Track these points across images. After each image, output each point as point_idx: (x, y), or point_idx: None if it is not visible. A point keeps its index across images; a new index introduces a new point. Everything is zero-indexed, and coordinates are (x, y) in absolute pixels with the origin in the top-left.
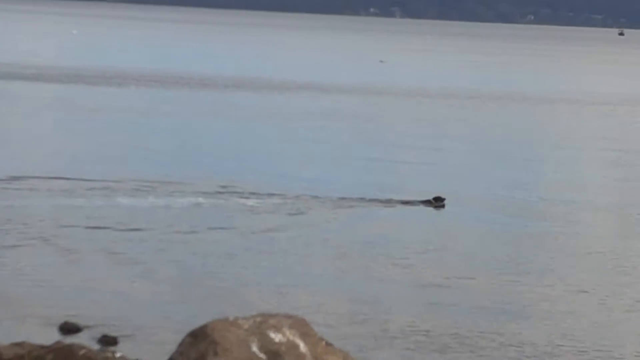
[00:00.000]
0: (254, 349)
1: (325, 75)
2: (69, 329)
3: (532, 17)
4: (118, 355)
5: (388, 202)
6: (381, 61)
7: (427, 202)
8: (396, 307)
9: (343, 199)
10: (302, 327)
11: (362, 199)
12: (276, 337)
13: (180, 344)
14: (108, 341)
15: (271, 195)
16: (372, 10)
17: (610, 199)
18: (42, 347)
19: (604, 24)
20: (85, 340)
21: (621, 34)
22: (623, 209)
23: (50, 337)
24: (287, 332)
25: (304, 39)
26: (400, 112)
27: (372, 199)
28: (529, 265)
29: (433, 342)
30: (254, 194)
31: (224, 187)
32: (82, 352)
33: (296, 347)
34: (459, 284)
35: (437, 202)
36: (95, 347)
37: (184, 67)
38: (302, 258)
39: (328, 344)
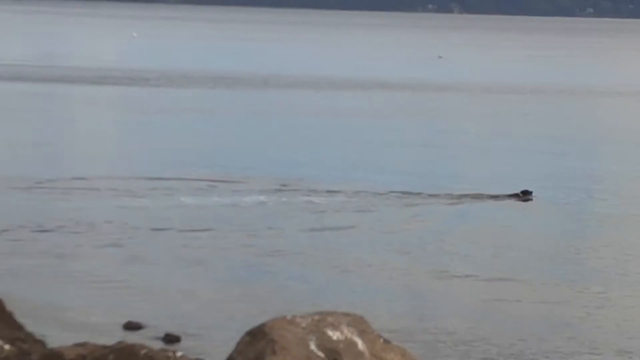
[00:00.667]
0: (312, 347)
1: (384, 72)
2: (132, 327)
3: (592, 10)
4: (179, 354)
5: (475, 196)
6: (440, 57)
7: (514, 196)
8: (458, 306)
9: (415, 194)
10: (360, 324)
11: (433, 195)
12: (334, 335)
13: (239, 343)
14: (171, 339)
15: (334, 192)
16: (430, 6)
17: None
18: (104, 347)
19: None
20: (148, 338)
21: None
22: None
23: (114, 336)
24: (345, 330)
25: (363, 36)
26: (461, 107)
27: (448, 194)
28: (611, 269)
29: (493, 344)
30: (314, 191)
31: (285, 185)
32: (143, 351)
33: (354, 344)
34: (526, 284)
35: (525, 196)
36: (158, 345)
37: (242, 67)
38: (366, 255)
39: (386, 341)
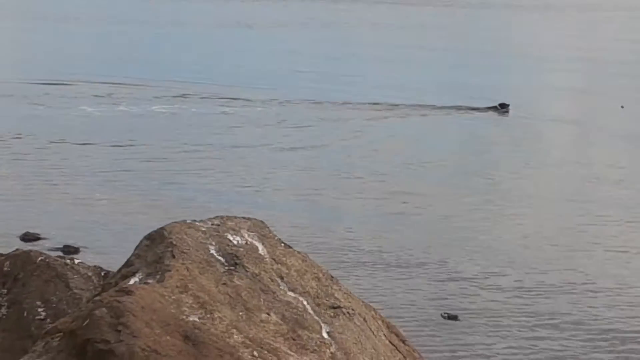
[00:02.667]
0: (212, 251)
1: None
2: (29, 239)
3: None
4: (77, 262)
5: (454, 108)
6: None
7: (493, 108)
8: (364, 217)
9: (355, 103)
10: (261, 229)
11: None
12: (234, 239)
13: (137, 247)
14: (69, 250)
15: (250, 101)
16: None
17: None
18: (0, 254)
19: None
20: (46, 249)
21: None
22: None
23: (10, 247)
24: (246, 234)
25: None
26: (363, 17)
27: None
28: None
29: (401, 255)
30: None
31: (195, 93)
32: (40, 258)
33: (255, 249)
34: (425, 191)
35: (503, 109)
36: (56, 255)
37: None
38: (279, 169)
39: (287, 246)
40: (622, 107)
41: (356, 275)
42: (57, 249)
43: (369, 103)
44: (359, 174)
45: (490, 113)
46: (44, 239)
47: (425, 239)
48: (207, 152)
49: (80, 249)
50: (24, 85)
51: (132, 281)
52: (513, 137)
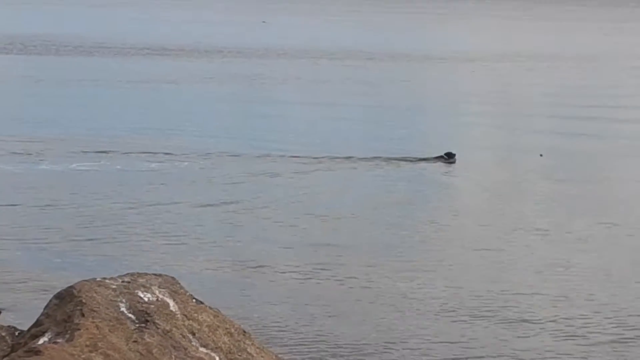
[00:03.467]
0: (123, 308)
1: (207, 37)
2: None
3: None
4: None
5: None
6: (264, 22)
7: (440, 158)
8: (285, 269)
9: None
10: (172, 285)
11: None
12: (145, 296)
13: (47, 306)
14: None
15: (165, 154)
16: None
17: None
18: None
19: None
20: None
21: None
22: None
23: None
24: (157, 291)
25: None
26: (284, 73)
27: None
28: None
29: (317, 305)
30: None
31: (114, 150)
32: None
33: (166, 305)
34: (347, 242)
35: (450, 158)
36: None
37: (53, 30)
38: (193, 223)
39: (199, 302)
40: (541, 155)
41: (270, 328)
42: None
43: (296, 156)
44: (278, 228)
45: (439, 163)
46: None
47: (343, 291)
48: (127, 210)
49: (0, 308)
50: None
51: (41, 340)
52: (451, 185)
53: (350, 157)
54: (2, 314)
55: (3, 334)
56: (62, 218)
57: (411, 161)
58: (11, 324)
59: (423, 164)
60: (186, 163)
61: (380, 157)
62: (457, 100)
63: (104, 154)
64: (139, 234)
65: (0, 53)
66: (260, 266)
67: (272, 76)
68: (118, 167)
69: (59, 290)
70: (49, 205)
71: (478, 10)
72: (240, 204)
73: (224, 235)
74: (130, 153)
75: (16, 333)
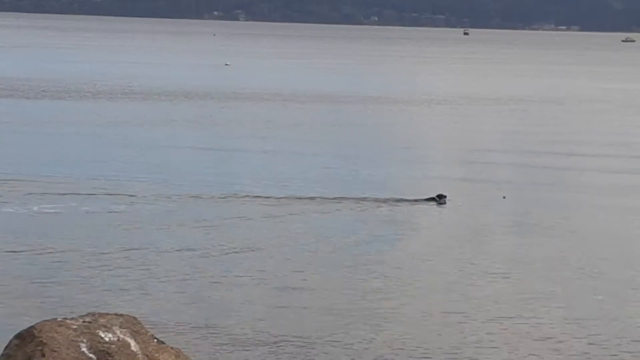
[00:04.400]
0: (83, 349)
1: (171, 80)
2: None
3: (376, 19)
4: None
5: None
6: (227, 64)
7: (432, 200)
8: (243, 309)
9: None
10: (133, 325)
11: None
12: (106, 336)
13: (7, 347)
14: None
15: (130, 197)
16: (215, 13)
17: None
18: None
19: (448, 24)
20: None
21: (466, 33)
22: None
23: None
24: (118, 331)
25: (148, 41)
26: (249, 115)
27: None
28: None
29: (277, 347)
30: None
31: (86, 191)
32: None
33: (127, 345)
34: (311, 285)
35: (441, 199)
36: None
37: (21, 73)
38: (158, 260)
39: (160, 342)
40: (504, 197)
41: None
42: None
43: (270, 197)
44: (242, 270)
45: (431, 204)
46: None
47: (306, 331)
48: (90, 252)
49: None
50: None
51: None
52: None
53: (339, 197)
54: None
55: None
56: (24, 261)
57: (406, 202)
58: None
59: (418, 205)
60: (150, 206)
61: (376, 199)
62: (428, 143)
63: (67, 196)
64: (101, 276)
65: None
66: (219, 307)
67: (237, 119)
68: (83, 209)
69: (19, 330)
70: (10, 248)
71: (452, 54)
72: (205, 246)
73: (187, 277)
74: (95, 195)
75: None
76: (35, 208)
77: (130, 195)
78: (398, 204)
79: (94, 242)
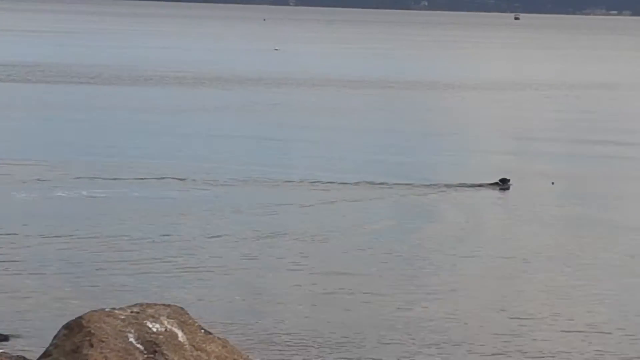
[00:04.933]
0: (131, 339)
1: (222, 65)
2: None
3: (426, 3)
4: (0, 351)
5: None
6: (276, 49)
7: (494, 184)
8: (288, 300)
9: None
10: (181, 316)
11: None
12: (154, 326)
13: (56, 337)
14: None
15: (180, 180)
16: None
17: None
18: None
19: (498, 8)
20: None
21: (517, 18)
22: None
23: None
24: (165, 322)
25: (197, 27)
26: (300, 101)
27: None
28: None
29: (323, 338)
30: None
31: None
32: None
33: (174, 336)
34: (362, 272)
35: (504, 184)
36: None
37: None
38: (207, 248)
39: (207, 332)
40: (553, 183)
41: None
42: None
43: (327, 182)
44: (292, 256)
45: (496, 189)
46: None
47: (354, 319)
48: (139, 238)
49: (10, 337)
50: None
51: None
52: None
53: (410, 184)
54: (10, 340)
55: None
56: (74, 247)
57: (470, 187)
58: (20, 352)
59: (482, 190)
60: (200, 191)
61: (438, 184)
62: (481, 129)
63: (117, 181)
64: (150, 263)
65: (9, 81)
66: (270, 296)
67: (288, 104)
68: (133, 194)
69: (68, 319)
70: (61, 234)
71: (503, 39)
72: (255, 233)
73: (234, 264)
74: (145, 179)
75: None
76: (85, 192)
77: (181, 180)
78: (460, 188)
79: (143, 228)
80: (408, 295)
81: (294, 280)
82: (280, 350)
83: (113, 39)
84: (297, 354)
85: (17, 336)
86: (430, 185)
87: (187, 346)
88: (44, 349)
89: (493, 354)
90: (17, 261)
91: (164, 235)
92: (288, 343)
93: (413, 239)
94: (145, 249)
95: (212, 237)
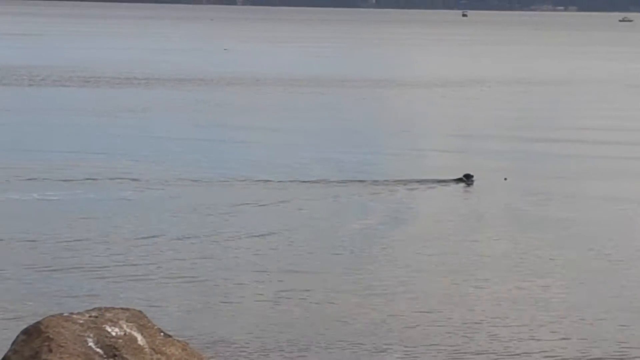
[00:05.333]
0: (90, 343)
1: (169, 66)
2: None
3: (374, 1)
4: None
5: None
6: (225, 49)
7: (459, 180)
8: (255, 299)
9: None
10: (139, 319)
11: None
12: (113, 330)
13: (14, 342)
14: None
15: (132, 180)
16: None
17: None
18: None
19: (446, 5)
20: None
21: (465, 15)
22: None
23: None
24: (124, 325)
25: (145, 27)
26: (252, 100)
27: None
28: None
29: (283, 337)
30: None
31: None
32: None
33: (134, 339)
34: (319, 269)
35: (469, 180)
36: None
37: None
38: (161, 249)
39: (166, 335)
40: (505, 179)
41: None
42: None
43: (272, 181)
44: (248, 257)
45: (460, 185)
46: None
47: (312, 318)
48: (94, 241)
49: None
50: None
51: None
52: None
53: (363, 181)
54: None
55: None
56: (28, 250)
57: (434, 183)
58: None
59: (448, 186)
60: (153, 191)
61: (418, 180)
62: (431, 126)
63: (68, 182)
64: (107, 266)
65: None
66: (227, 296)
67: (238, 103)
68: (88, 195)
69: (25, 324)
70: (13, 237)
71: (451, 36)
72: (210, 233)
73: (192, 265)
74: (98, 180)
75: None
76: (36, 195)
77: (133, 180)
78: (421, 185)
79: (96, 230)
80: (367, 293)
81: (251, 280)
82: (240, 351)
83: (56, 41)
84: (257, 354)
85: None
86: (395, 181)
87: (147, 349)
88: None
89: (449, 354)
90: None
91: (117, 236)
92: (247, 344)
93: (374, 236)
94: (99, 252)
95: (168, 238)
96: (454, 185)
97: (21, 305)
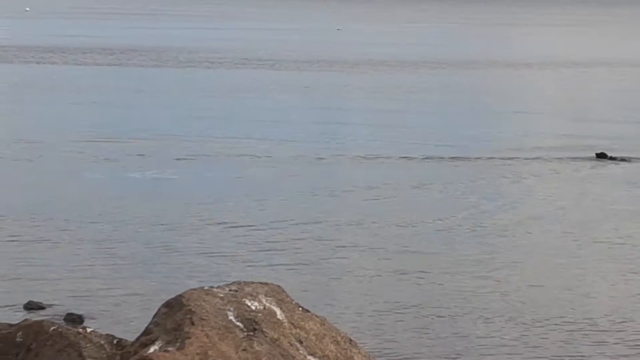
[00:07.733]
0: (231, 317)
1: (283, 46)
2: (33, 307)
3: None
4: (89, 330)
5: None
6: (338, 29)
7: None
8: (379, 277)
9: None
10: (278, 294)
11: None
12: (252, 304)
13: (156, 315)
14: (73, 319)
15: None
16: None
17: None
18: (10, 325)
19: None
20: (49, 318)
21: None
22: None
23: (15, 317)
24: (264, 300)
25: (254, 8)
26: (365, 80)
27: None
28: None
29: (418, 315)
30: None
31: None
32: (52, 328)
33: (273, 314)
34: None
35: (600, 158)
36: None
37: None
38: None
39: (305, 310)
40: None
41: (376, 338)
42: (60, 318)
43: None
44: (377, 237)
45: (593, 162)
46: (47, 307)
47: (443, 296)
48: (220, 219)
49: (83, 317)
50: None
51: (152, 349)
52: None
53: (482, 157)
54: (84, 322)
55: (102, 342)
56: (145, 229)
57: (566, 160)
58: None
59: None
60: (266, 169)
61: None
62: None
63: (187, 161)
64: (236, 245)
65: (103, 65)
66: (362, 275)
67: (353, 84)
68: (206, 174)
69: (141, 300)
70: (132, 215)
71: (562, 16)
72: (336, 214)
73: (324, 246)
74: (217, 155)
75: (114, 341)
76: (155, 174)
77: (254, 157)
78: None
79: (218, 209)
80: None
81: (372, 260)
82: (375, 331)
83: (173, 21)
84: (394, 334)
85: (90, 317)
86: (528, 158)
87: (285, 324)
88: (121, 328)
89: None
90: (86, 241)
91: (249, 213)
92: (384, 324)
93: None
94: (224, 231)
95: (287, 219)
96: (590, 163)
97: (146, 283)
